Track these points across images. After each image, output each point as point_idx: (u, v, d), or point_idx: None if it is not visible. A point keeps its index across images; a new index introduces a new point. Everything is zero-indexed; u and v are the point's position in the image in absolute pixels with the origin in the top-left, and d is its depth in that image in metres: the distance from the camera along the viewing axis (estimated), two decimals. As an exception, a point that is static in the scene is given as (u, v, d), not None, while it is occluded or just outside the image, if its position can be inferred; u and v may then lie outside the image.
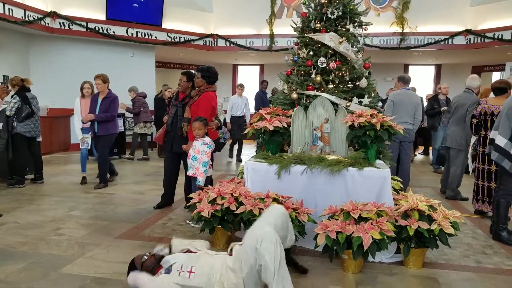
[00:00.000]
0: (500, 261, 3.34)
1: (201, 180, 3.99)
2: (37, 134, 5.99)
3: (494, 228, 3.89)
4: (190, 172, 4.11)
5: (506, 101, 3.90)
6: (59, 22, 9.26)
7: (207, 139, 4.11)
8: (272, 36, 10.91)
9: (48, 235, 3.78)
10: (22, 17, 8.24)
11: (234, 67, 14.45)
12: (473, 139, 4.99)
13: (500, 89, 4.56)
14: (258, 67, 14.23)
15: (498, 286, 2.88)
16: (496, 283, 2.93)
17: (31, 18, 8.48)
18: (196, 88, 4.52)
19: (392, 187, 3.50)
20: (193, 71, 4.64)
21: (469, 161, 5.18)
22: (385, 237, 2.86)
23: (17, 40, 8.99)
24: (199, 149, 4.03)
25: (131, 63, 10.45)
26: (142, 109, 8.78)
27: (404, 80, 5.78)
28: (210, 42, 11.27)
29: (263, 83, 10.27)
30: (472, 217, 4.61)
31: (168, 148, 4.64)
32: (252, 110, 9.05)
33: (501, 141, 3.70)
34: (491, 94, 4.87)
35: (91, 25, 9.58)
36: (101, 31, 9.71)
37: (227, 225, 3.35)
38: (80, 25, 9.45)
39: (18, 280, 2.82)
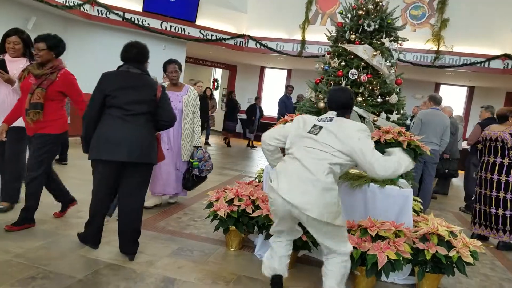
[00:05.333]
0: (518, 297, 3.24)
1: None
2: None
3: None
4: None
5: None
6: (97, 10, 9.48)
7: None
8: (303, 42, 10.84)
9: (68, 216, 3.88)
10: (63, 1, 8.49)
11: (262, 69, 14.46)
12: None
13: (502, 116, 4.68)
14: (286, 71, 14.20)
15: (514, 322, 2.79)
16: (512, 319, 2.84)
17: (71, 4, 8.72)
18: (34, 63, 3.41)
19: (412, 208, 3.42)
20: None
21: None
22: (401, 258, 2.80)
23: (55, 23, 9.22)
24: None
25: (162, 56, 10.57)
26: None
27: (436, 100, 5.65)
28: (241, 42, 11.31)
29: (288, 88, 10.23)
30: (491, 248, 4.47)
31: None
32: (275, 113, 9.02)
33: None
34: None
35: (127, 15, 9.78)
36: (136, 22, 9.90)
37: (242, 226, 3.35)
38: (117, 14, 9.66)
39: (36, 257, 2.90)
